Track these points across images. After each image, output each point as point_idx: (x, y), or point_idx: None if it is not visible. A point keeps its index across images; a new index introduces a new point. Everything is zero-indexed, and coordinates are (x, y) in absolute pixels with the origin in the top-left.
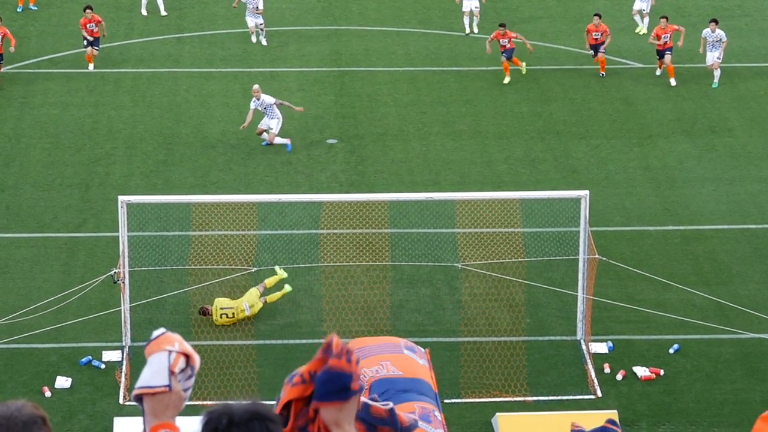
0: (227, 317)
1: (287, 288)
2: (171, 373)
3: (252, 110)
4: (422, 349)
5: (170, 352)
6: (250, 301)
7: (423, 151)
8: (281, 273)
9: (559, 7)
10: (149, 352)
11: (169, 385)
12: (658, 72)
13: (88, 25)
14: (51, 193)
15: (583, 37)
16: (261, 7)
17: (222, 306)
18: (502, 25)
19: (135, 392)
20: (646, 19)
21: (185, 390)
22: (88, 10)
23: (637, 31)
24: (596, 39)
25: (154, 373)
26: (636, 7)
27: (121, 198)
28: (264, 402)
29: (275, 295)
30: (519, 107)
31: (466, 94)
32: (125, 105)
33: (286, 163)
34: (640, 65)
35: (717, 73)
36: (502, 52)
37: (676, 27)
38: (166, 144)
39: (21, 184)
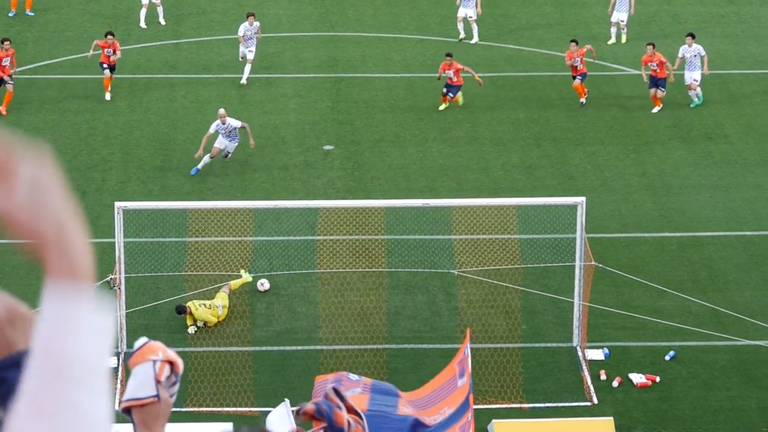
0: (205, 307)
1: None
2: (158, 382)
3: (209, 135)
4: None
5: (155, 361)
6: (223, 301)
7: (420, 157)
8: (246, 277)
9: (556, 14)
10: (133, 363)
11: (157, 395)
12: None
13: (105, 50)
14: None
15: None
16: (256, 23)
17: (197, 300)
18: (448, 55)
19: (123, 405)
20: (624, 30)
21: (171, 396)
22: (109, 36)
23: (609, 43)
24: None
25: (140, 385)
26: (614, 18)
27: (117, 204)
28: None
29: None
30: (515, 114)
31: (462, 100)
32: (122, 111)
33: (282, 169)
34: (637, 72)
35: (693, 93)
36: (448, 86)
37: (663, 58)
38: (162, 150)
39: None
